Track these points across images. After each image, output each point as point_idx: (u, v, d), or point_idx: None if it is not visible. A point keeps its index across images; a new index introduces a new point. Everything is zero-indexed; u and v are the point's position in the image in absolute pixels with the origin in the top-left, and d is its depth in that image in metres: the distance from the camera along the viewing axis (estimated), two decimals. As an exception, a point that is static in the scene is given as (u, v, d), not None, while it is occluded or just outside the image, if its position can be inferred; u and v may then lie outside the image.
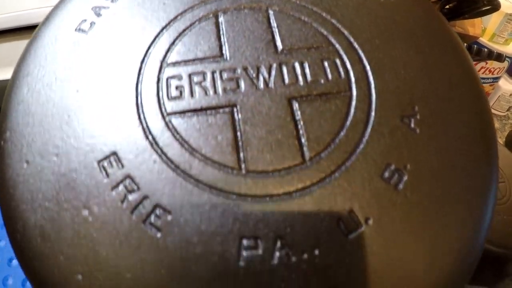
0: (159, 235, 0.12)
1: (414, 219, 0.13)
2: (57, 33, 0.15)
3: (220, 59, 0.14)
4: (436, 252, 0.13)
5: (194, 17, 0.15)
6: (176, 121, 0.14)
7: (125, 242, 0.12)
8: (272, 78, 0.14)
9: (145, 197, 0.13)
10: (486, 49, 0.30)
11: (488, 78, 0.48)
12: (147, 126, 0.13)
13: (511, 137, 0.43)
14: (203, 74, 0.14)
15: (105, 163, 0.13)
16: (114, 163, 0.13)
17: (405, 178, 0.13)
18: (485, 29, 0.46)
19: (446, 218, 0.13)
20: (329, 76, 0.15)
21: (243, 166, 0.13)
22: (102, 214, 0.13)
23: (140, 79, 0.14)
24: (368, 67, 0.15)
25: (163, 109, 0.14)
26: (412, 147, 0.14)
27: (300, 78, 0.14)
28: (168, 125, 0.13)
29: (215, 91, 0.14)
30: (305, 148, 0.13)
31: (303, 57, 0.15)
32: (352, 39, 0.15)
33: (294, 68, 0.15)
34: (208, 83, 0.14)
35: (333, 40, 0.15)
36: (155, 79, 0.14)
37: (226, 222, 0.12)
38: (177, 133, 0.13)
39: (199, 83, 0.14)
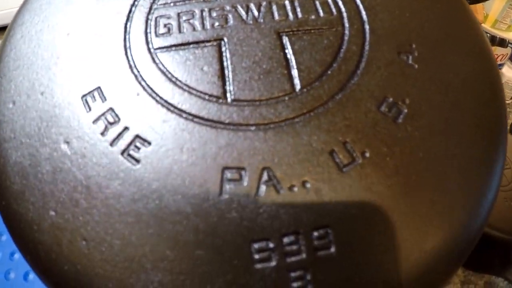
0: (137, 166, 0.11)
1: (416, 155, 0.12)
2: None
3: (209, -1, 0.14)
4: (442, 194, 0.11)
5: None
6: (162, 55, 0.13)
7: (101, 174, 0.11)
8: (261, 14, 0.14)
9: (125, 128, 0.12)
10: (488, 35, 0.29)
11: None
12: (133, 61, 0.13)
13: None
14: (192, 12, 0.14)
15: (89, 98, 0.13)
16: (97, 97, 0.13)
17: (405, 111, 0.12)
18: (487, 15, 0.45)
19: (452, 157, 0.12)
20: (321, 13, 0.14)
21: (228, 95, 0.12)
22: (81, 148, 0.12)
23: (130, 18, 0.14)
24: (361, 6, 0.14)
25: (150, 45, 0.13)
26: (411, 81, 0.13)
27: (291, 14, 0.14)
28: (154, 59, 0.13)
29: (203, 27, 0.13)
30: (295, 78, 0.12)
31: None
32: None
33: (284, 5, 0.14)
34: (196, 20, 0.14)
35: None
36: (144, 19, 0.14)
37: (208, 152, 0.11)
38: (163, 65, 0.13)
39: (188, 21, 0.14)
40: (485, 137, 0.13)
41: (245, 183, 0.11)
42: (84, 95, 0.13)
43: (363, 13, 0.14)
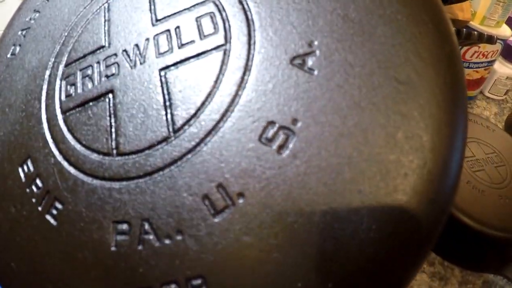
0: (55, 224, 0.13)
1: (304, 194, 0.10)
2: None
3: (104, 48, 0.15)
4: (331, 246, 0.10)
5: (89, 13, 0.16)
6: (70, 118, 0.14)
7: (35, 233, 0.14)
8: (148, 52, 0.13)
9: (47, 192, 0.14)
10: (476, 32, 0.26)
11: (482, 63, 0.43)
12: (49, 128, 0.15)
13: (510, 121, 0.38)
14: (90, 66, 0.15)
15: (24, 166, 0.15)
16: (29, 165, 0.15)
17: (294, 138, 0.11)
18: (475, 12, 0.42)
19: (349, 198, 0.10)
20: (204, 32, 0.13)
21: (115, 150, 0.13)
22: (21, 210, 0.14)
23: (45, 87, 0.15)
24: (252, 10, 0.13)
25: (61, 109, 0.15)
26: (305, 95, 0.11)
27: (175, 44, 0.13)
28: (65, 123, 0.14)
29: (99, 81, 0.14)
30: (171, 120, 0.12)
31: (180, 20, 0.14)
32: None
33: (169, 35, 0.13)
34: (94, 74, 0.14)
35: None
36: (58, 83, 0.15)
37: (101, 207, 0.12)
38: (69, 129, 0.14)
39: (87, 76, 0.14)
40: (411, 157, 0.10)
41: (129, 236, 0.12)
42: (21, 164, 0.15)
43: (254, 18, 0.12)
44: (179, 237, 0.11)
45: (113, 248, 0.12)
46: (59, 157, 0.14)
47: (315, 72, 0.11)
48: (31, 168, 0.14)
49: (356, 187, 0.10)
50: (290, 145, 0.11)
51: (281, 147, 0.11)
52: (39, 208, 0.14)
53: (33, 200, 0.14)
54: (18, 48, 0.17)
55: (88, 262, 0.12)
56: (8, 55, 0.17)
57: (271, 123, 0.11)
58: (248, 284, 0.10)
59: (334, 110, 0.11)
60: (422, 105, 0.10)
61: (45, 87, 0.15)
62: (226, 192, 0.11)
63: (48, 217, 0.13)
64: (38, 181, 0.14)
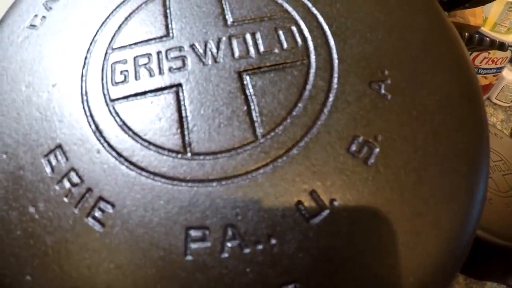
0: (102, 230, 0.11)
1: (389, 198, 0.11)
2: (11, 31, 0.15)
3: (167, 38, 0.13)
4: (417, 241, 0.11)
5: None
6: (120, 107, 0.13)
7: (69, 239, 0.11)
8: (220, 52, 0.13)
9: (88, 190, 0.12)
10: (488, 39, 0.28)
11: (491, 69, 0.45)
12: (91, 115, 0.13)
13: None
14: (148, 55, 0.13)
15: (51, 157, 0.12)
16: (59, 156, 0.12)
17: (376, 150, 0.11)
18: (487, 18, 0.44)
19: (427, 197, 0.11)
20: (284, 45, 0.13)
21: (188, 149, 0.12)
22: (47, 211, 0.12)
23: (86, 68, 0.13)
24: (328, 32, 0.13)
25: (107, 97, 0.13)
26: (383, 115, 0.12)
27: (252, 49, 0.13)
28: (112, 112, 0.13)
29: (160, 72, 0.13)
30: (257, 124, 0.12)
31: (255, 27, 0.13)
32: (310, 4, 0.14)
33: (245, 40, 0.13)
34: (153, 64, 0.13)
35: (288, 8, 0.14)
36: (100, 66, 0.13)
37: (171, 212, 0.11)
38: (121, 119, 0.12)
39: (144, 65, 0.13)
40: (465, 164, 0.12)
41: (209, 243, 0.11)
42: (46, 155, 0.12)
43: (331, 39, 0.13)
44: (271, 243, 0.10)
45: (188, 257, 0.10)
46: (109, 150, 0.12)
47: (389, 97, 0.12)
48: (62, 161, 0.12)
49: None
50: (374, 157, 0.11)
51: (367, 158, 0.11)
52: (75, 210, 0.12)
53: (65, 199, 0.12)
54: (40, 20, 0.15)
55: (151, 275, 0.10)
56: (26, 24, 0.15)
57: (356, 136, 0.12)
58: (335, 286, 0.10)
59: (407, 134, 0.12)
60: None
61: (84, 68, 0.13)
62: (319, 198, 0.11)
63: (90, 220, 0.11)
64: (73, 177, 0.12)
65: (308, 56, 0.13)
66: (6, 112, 0.14)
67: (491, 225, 0.24)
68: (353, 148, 0.11)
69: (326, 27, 0.13)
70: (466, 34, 0.27)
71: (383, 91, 0.12)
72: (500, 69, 0.46)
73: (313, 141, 0.12)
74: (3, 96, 0.14)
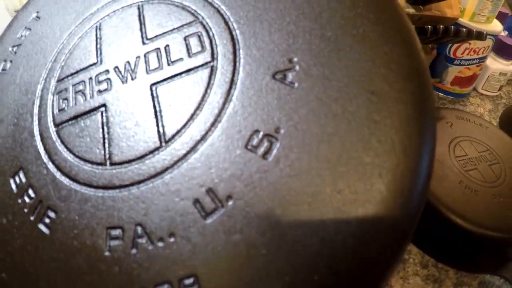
0: (48, 232, 0.13)
1: (288, 195, 0.11)
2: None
3: (97, 64, 0.15)
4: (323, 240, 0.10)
5: (80, 31, 0.17)
6: (63, 130, 0.15)
7: (27, 243, 0.14)
8: (137, 69, 0.14)
9: (40, 202, 0.14)
10: (464, 29, 0.26)
11: (473, 59, 0.42)
12: (42, 140, 0.15)
13: (505, 117, 0.38)
14: (83, 82, 0.15)
15: (16, 177, 0.15)
16: (21, 176, 0.15)
17: (277, 145, 0.12)
18: (464, 9, 0.41)
19: (334, 196, 0.11)
20: (192, 51, 0.14)
21: (108, 160, 0.13)
22: (13, 220, 0.15)
23: (39, 101, 0.16)
24: (236, 29, 0.14)
25: (53, 123, 0.15)
26: (287, 105, 0.12)
27: (164, 61, 0.14)
28: (56, 136, 0.15)
29: (91, 95, 0.15)
30: (161, 131, 0.13)
31: (169, 39, 0.15)
32: (222, 7, 0.14)
33: (159, 54, 0.14)
34: (86, 89, 0.15)
35: (201, 14, 0.15)
36: (49, 98, 0.16)
37: (94, 214, 0.13)
38: (61, 141, 0.15)
39: (80, 91, 0.15)
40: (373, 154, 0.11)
41: (124, 240, 0.12)
42: (12, 176, 0.15)
43: (239, 36, 0.14)
44: (171, 239, 0.12)
45: (106, 253, 0.12)
46: (52, 168, 0.14)
47: (296, 85, 0.12)
48: (23, 180, 0.15)
49: (336, 188, 0.11)
50: (274, 151, 0.12)
51: (266, 153, 0.12)
52: (31, 218, 0.14)
53: (25, 210, 0.14)
54: (9, 64, 0.18)
55: (82, 268, 0.12)
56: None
57: (256, 131, 0.12)
58: (238, 280, 0.11)
59: (313, 119, 0.12)
60: (393, 112, 0.11)
61: (37, 101, 0.16)
62: (216, 196, 0.12)
63: (40, 226, 0.14)
64: (30, 192, 0.14)
65: (215, 58, 0.14)
66: None
67: (479, 217, 0.23)
68: (253, 143, 0.12)
69: (234, 25, 0.14)
70: (441, 26, 0.25)
71: (289, 80, 0.12)
72: (483, 59, 0.43)
73: (213, 140, 0.12)
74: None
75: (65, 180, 0.14)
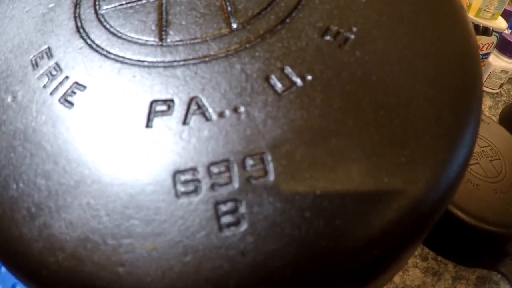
0: (71, 109, 0.11)
1: (369, 78, 0.10)
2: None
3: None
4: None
5: None
6: (107, 14, 0.13)
7: (38, 121, 0.12)
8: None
9: (65, 78, 0.12)
10: (471, 24, 0.28)
11: None
12: (81, 23, 0.13)
13: (505, 114, 0.40)
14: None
15: (38, 58, 0.13)
16: (45, 56, 0.13)
17: (352, 37, 0.11)
18: (470, 4, 0.43)
19: (409, 76, 0.10)
20: None
21: (163, 39, 0.12)
22: (24, 100, 0.12)
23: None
24: None
25: (97, 7, 0.14)
26: (358, 12, 0.11)
27: None
28: (99, 18, 0.13)
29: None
30: (232, 19, 0.12)
31: None
32: None
33: None
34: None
35: None
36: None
37: (138, 89, 0.11)
38: (106, 22, 0.13)
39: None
40: (458, 75, 0.11)
41: (173, 114, 0.10)
42: (34, 56, 0.13)
43: None
44: (234, 114, 0.10)
45: (150, 128, 0.10)
46: (88, 42, 0.12)
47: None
48: (47, 58, 0.13)
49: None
50: (349, 43, 0.11)
51: (341, 44, 0.11)
52: (49, 96, 0.12)
53: (43, 88, 0.12)
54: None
55: (113, 144, 0.10)
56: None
57: (330, 27, 0.11)
58: (312, 155, 0.09)
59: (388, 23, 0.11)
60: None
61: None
62: (292, 73, 0.10)
63: (62, 102, 0.11)
64: (54, 69, 0.12)
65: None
66: (7, 27, 0.15)
67: (479, 212, 0.24)
68: (327, 35, 0.11)
69: None
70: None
71: None
72: (486, 56, 0.44)
73: (286, 29, 0.11)
74: (4, 14, 0.15)
75: (106, 56, 0.12)
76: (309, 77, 0.10)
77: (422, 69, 0.11)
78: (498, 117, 0.43)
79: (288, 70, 0.11)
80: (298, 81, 0.10)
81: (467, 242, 0.25)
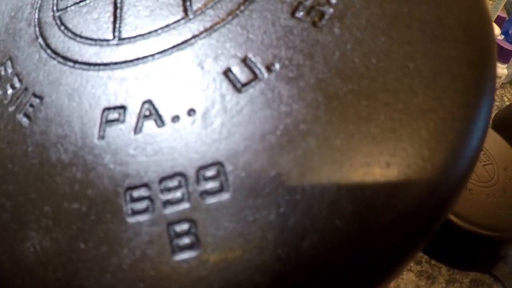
0: (27, 123, 0.11)
1: (350, 60, 0.09)
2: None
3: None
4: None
5: None
6: (64, 15, 0.12)
7: (2, 137, 0.11)
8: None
9: (25, 89, 0.11)
10: None
11: None
12: (39, 25, 0.13)
13: (498, 119, 0.40)
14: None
15: (1, 69, 0.12)
16: (7, 66, 0.12)
17: (330, 11, 0.09)
18: None
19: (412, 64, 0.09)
20: None
21: (116, 36, 0.11)
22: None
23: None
24: None
25: (56, 7, 0.13)
26: None
27: None
28: (56, 21, 0.12)
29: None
30: (188, 4, 0.10)
31: None
32: None
33: None
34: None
35: None
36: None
37: (88, 95, 0.10)
38: (62, 24, 0.12)
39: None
40: (462, 49, 0.09)
41: (125, 122, 0.09)
42: None
43: None
44: (190, 118, 0.09)
45: (96, 141, 0.09)
46: (46, 50, 0.12)
47: None
48: (9, 70, 0.12)
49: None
50: (326, 18, 0.09)
51: (317, 21, 0.09)
52: (10, 109, 0.11)
53: (5, 101, 0.11)
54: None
55: (65, 160, 0.09)
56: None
57: (303, 1, 0.10)
58: (276, 165, 0.08)
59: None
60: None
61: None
62: (254, 64, 0.09)
63: (20, 116, 0.11)
64: (15, 81, 0.12)
65: None
66: None
67: (473, 216, 0.24)
68: (299, 12, 0.09)
69: None
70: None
71: None
72: None
73: (250, 10, 0.10)
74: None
75: (61, 62, 0.11)
76: (276, 66, 0.09)
77: (420, 46, 0.09)
78: (491, 122, 0.44)
79: (250, 59, 0.09)
80: (263, 72, 0.09)
81: (460, 245, 0.25)
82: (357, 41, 0.09)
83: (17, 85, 0.12)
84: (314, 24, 0.09)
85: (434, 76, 0.09)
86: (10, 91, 0.12)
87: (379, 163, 0.08)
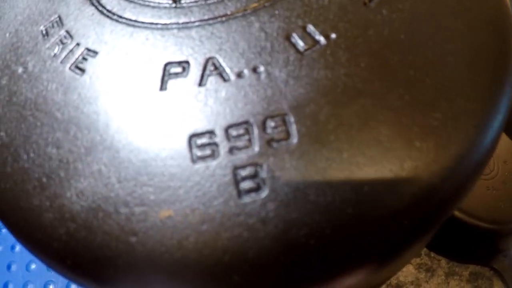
0: (82, 75, 0.11)
1: (397, 37, 0.10)
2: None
3: None
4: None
5: None
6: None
7: (48, 89, 0.11)
8: None
9: (77, 45, 0.12)
10: None
11: None
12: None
13: None
14: None
15: (48, 27, 0.13)
16: (55, 25, 0.13)
17: None
18: None
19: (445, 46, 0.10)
20: None
21: (177, 1, 0.11)
22: (35, 70, 0.12)
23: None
24: None
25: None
26: None
27: None
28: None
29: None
30: None
31: None
32: None
33: None
34: None
35: None
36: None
37: (150, 52, 0.10)
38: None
39: None
40: (491, 36, 0.10)
41: (188, 76, 0.10)
42: (45, 26, 0.13)
43: None
44: (254, 73, 0.09)
45: (165, 91, 0.10)
46: (99, 9, 0.12)
47: None
48: (58, 26, 0.12)
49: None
50: (375, 1, 0.10)
51: (367, 1, 0.10)
52: (60, 64, 0.11)
53: (52, 53, 0.12)
54: None
55: (125, 108, 0.10)
56: None
57: None
58: (338, 116, 0.09)
59: None
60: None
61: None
62: (314, 32, 0.10)
63: (72, 68, 0.11)
64: (66, 36, 0.12)
65: None
66: (17, 1, 0.14)
67: (473, 208, 0.24)
68: None
69: None
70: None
71: None
72: None
73: None
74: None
75: (117, 20, 0.11)
76: (333, 35, 0.10)
77: (453, 29, 0.10)
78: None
79: (310, 28, 0.10)
80: (322, 39, 0.10)
81: (460, 238, 0.25)
82: (403, 21, 0.10)
83: (68, 40, 0.12)
84: (364, 4, 0.10)
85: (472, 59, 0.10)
86: (60, 46, 0.12)
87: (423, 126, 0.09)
